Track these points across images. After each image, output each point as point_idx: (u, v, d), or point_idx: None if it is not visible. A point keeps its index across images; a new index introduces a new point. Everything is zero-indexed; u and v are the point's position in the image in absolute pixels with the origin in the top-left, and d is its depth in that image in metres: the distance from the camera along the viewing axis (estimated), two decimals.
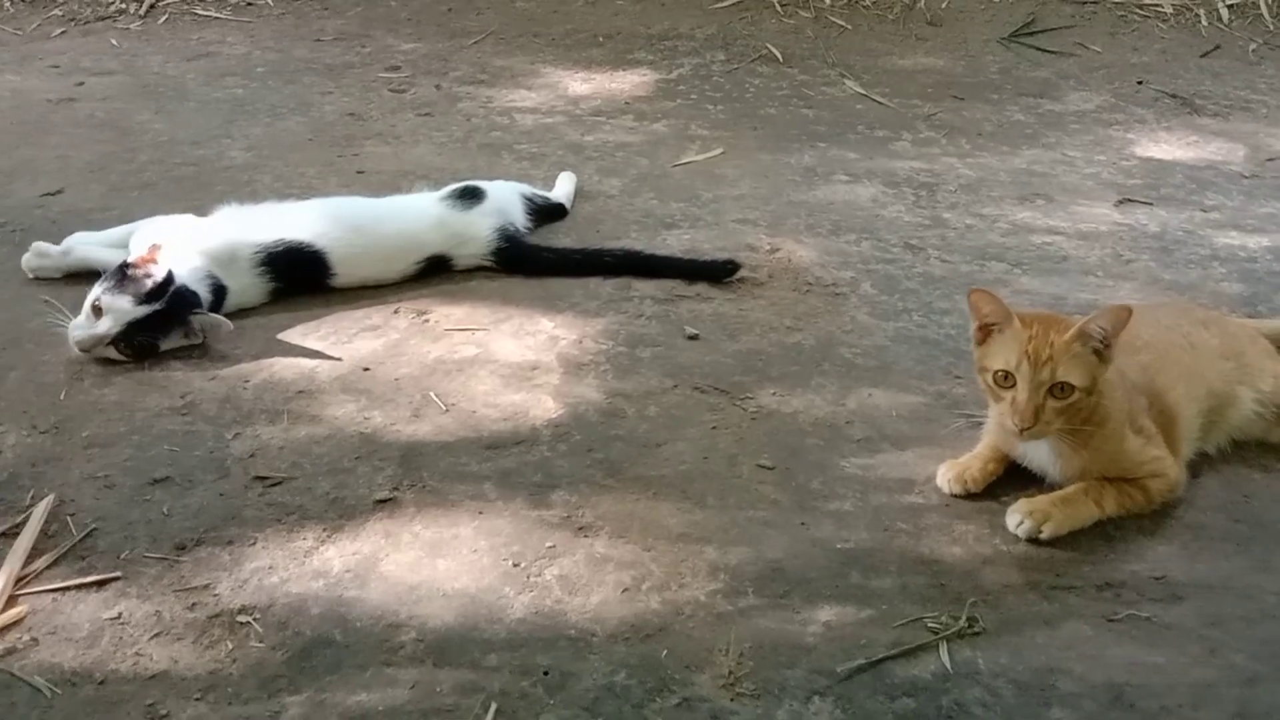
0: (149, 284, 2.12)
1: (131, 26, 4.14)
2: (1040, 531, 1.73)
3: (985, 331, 1.78)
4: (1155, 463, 1.80)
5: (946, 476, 1.84)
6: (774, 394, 2.12)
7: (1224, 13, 4.27)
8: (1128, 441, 1.78)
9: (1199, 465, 1.94)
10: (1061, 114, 3.53)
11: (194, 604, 1.60)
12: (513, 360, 2.20)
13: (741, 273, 2.53)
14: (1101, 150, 3.27)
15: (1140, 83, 3.78)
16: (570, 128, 3.34)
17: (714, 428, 2.02)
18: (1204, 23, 4.24)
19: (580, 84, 3.68)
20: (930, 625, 1.58)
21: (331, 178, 2.98)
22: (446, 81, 3.67)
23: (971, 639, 1.56)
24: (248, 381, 2.10)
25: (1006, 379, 1.73)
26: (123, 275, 2.14)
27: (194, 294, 2.19)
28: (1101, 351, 1.73)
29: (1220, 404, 1.96)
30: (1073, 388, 1.70)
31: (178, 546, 1.70)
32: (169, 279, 2.14)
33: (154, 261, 2.15)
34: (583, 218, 2.80)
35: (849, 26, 4.18)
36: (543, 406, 2.06)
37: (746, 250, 2.64)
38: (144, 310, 2.10)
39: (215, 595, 1.62)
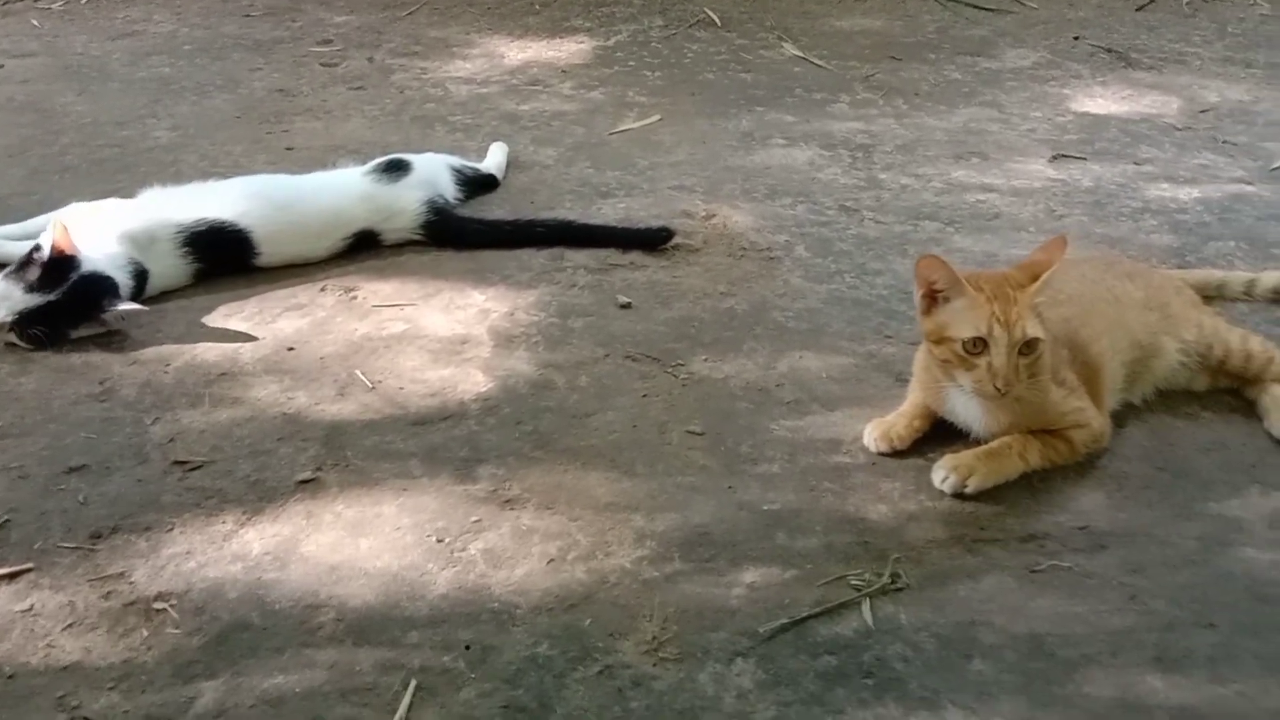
0: (38, 272, 2.06)
1: (53, 6, 4.03)
2: (965, 486, 1.74)
3: (931, 299, 1.77)
4: (1078, 414, 1.81)
5: (873, 435, 1.84)
6: (706, 360, 2.11)
7: None
8: (1051, 394, 1.79)
9: (1125, 415, 1.95)
10: (998, 71, 3.52)
11: (109, 593, 1.57)
12: (442, 335, 2.17)
13: (676, 240, 2.51)
14: (1038, 106, 3.28)
15: (1077, 38, 3.78)
16: (505, 97, 3.29)
17: (645, 396, 2.00)
18: None
19: (516, 53, 3.63)
20: (854, 583, 1.58)
21: (260, 155, 2.92)
22: (379, 54, 3.60)
23: (895, 595, 1.57)
24: (169, 365, 2.06)
25: (977, 345, 1.71)
26: (24, 263, 2.08)
27: (109, 281, 2.14)
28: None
29: (1145, 355, 1.97)
30: (1039, 341, 1.71)
31: (93, 535, 1.67)
32: (67, 266, 2.08)
33: (64, 249, 2.09)
34: (517, 188, 2.77)
35: None
36: (472, 380, 2.03)
37: (682, 217, 2.62)
38: (37, 300, 2.05)
39: (131, 583, 1.59)
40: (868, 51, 3.66)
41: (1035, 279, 1.73)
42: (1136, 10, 4.02)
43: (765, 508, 1.73)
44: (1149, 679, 1.46)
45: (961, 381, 1.74)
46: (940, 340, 1.75)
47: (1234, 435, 1.92)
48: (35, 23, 3.87)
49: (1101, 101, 3.33)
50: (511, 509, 1.73)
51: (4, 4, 4.05)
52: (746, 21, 3.89)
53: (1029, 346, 1.71)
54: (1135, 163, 2.95)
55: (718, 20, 3.87)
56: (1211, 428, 1.95)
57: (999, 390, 1.70)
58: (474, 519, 1.70)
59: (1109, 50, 3.69)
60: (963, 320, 1.72)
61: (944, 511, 1.72)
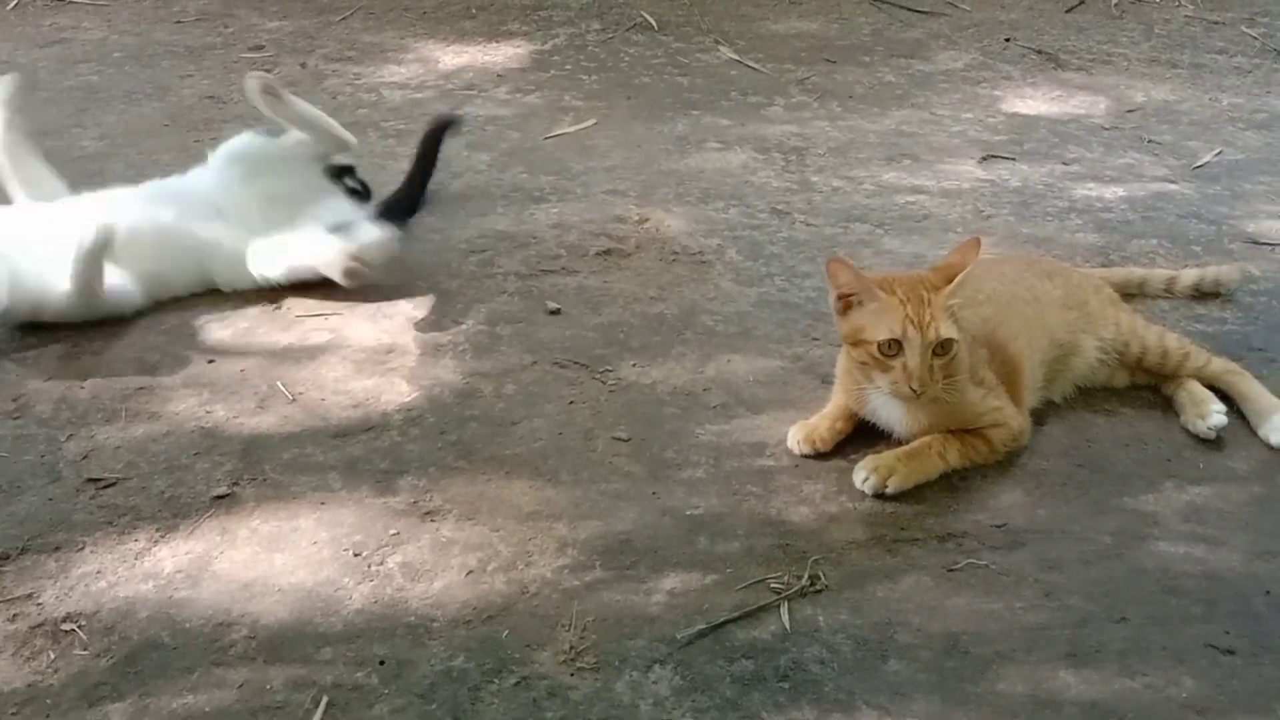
0: None
1: None
2: (886, 487, 1.75)
3: (846, 302, 1.78)
4: (995, 413, 1.83)
5: (796, 438, 1.85)
6: (634, 365, 2.10)
7: None
8: (969, 393, 1.81)
9: (1045, 413, 1.98)
10: (931, 74, 3.56)
11: (15, 615, 1.53)
12: (367, 344, 2.15)
13: (608, 244, 2.51)
14: (969, 108, 3.32)
15: (1008, 40, 3.84)
16: (440, 102, 3.27)
17: (572, 403, 2.00)
18: None
19: (452, 57, 3.60)
20: (773, 586, 1.59)
21: (188, 163, 2.82)
22: (313, 60, 3.56)
23: (814, 597, 1.58)
24: (85, 380, 2.02)
25: (891, 347, 1.72)
26: None
27: None
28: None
29: (1064, 353, 2.00)
30: (954, 342, 1.73)
31: (1, 556, 1.63)
32: None
33: None
34: (449, 195, 2.75)
35: None
36: (396, 390, 2.01)
37: (615, 222, 2.62)
38: None
39: (39, 604, 1.55)
40: (803, 54, 3.68)
41: (950, 281, 1.75)
42: (1066, 12, 4.09)
43: (688, 513, 1.73)
44: (1061, 674, 1.48)
45: (879, 383, 1.75)
46: (856, 343, 1.77)
47: (1151, 430, 1.96)
48: None
49: (1031, 102, 3.38)
50: (432, 521, 1.71)
51: None
52: (683, 25, 3.90)
53: (943, 347, 1.72)
54: (1063, 162, 3.00)
55: (654, 24, 3.87)
56: (1130, 423, 1.98)
57: (914, 391, 1.71)
58: (393, 532, 1.69)
59: (1039, 51, 3.75)
60: (877, 322, 1.74)
61: (865, 512, 1.74)
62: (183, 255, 2.25)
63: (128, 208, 2.24)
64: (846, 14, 4.03)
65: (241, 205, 2.33)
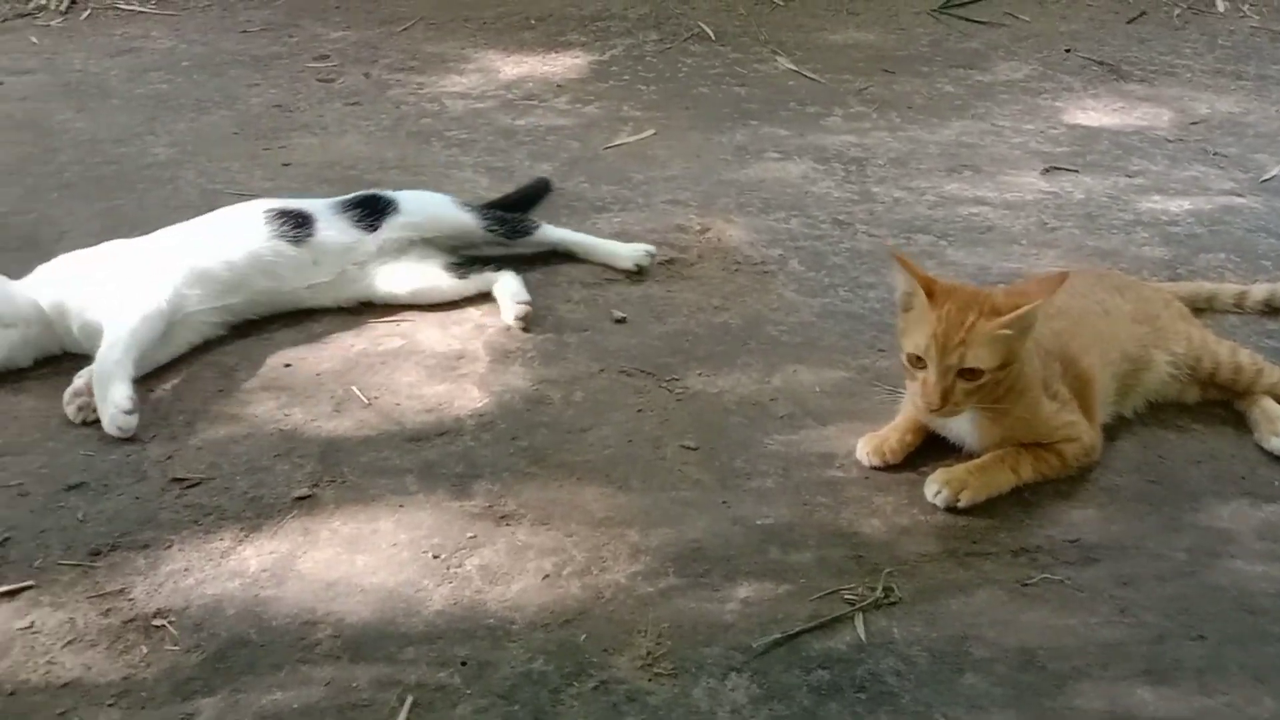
0: None
1: (52, 24, 4.05)
2: (958, 500, 1.75)
3: (907, 299, 1.78)
4: (1069, 428, 1.82)
5: (865, 449, 1.86)
6: (700, 374, 2.12)
7: None
8: (1043, 408, 1.81)
9: (1115, 428, 1.97)
10: (991, 84, 3.55)
11: (108, 610, 1.58)
12: (438, 350, 2.19)
13: (670, 254, 2.53)
14: (1030, 119, 3.30)
15: (1068, 51, 3.81)
16: (501, 112, 3.32)
17: (640, 411, 2.02)
18: None
19: (512, 68, 3.65)
20: (847, 597, 1.60)
21: (257, 171, 2.94)
22: (376, 69, 3.63)
23: (888, 609, 1.58)
24: (166, 383, 2.07)
25: (918, 361, 1.73)
26: None
27: None
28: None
29: (1136, 368, 1.99)
30: (982, 371, 1.70)
31: (92, 552, 1.68)
32: None
33: None
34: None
35: (781, 3, 4.18)
36: (468, 396, 2.05)
37: (676, 231, 2.64)
38: None
39: (130, 600, 1.60)
40: (861, 65, 3.68)
41: (1013, 310, 1.69)
42: (1127, 23, 4.06)
43: (759, 522, 1.74)
44: (1139, 691, 1.48)
45: (910, 390, 1.77)
46: (899, 345, 1.78)
47: (1224, 447, 1.94)
48: (34, 40, 3.89)
49: (1093, 114, 3.36)
50: (507, 525, 1.74)
51: (3, 20, 4.07)
52: (740, 35, 3.91)
53: (970, 373, 1.70)
54: (1127, 175, 2.97)
55: (712, 34, 3.90)
56: (1202, 440, 1.96)
57: (928, 409, 1.72)
58: (470, 535, 1.72)
59: (1100, 63, 3.72)
60: (914, 330, 1.74)
61: (937, 525, 1.74)
62: (271, 300, 2.25)
63: (243, 243, 2.23)
64: (904, 24, 4.02)
65: (381, 249, 2.31)
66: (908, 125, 3.25)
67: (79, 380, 1.98)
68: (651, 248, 2.46)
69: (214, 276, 2.18)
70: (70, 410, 1.95)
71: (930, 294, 1.72)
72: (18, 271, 2.20)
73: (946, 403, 1.70)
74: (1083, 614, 1.59)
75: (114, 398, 1.90)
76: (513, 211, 2.56)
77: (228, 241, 2.23)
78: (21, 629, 1.55)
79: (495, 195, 2.77)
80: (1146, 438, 1.96)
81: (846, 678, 1.47)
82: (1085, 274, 2.18)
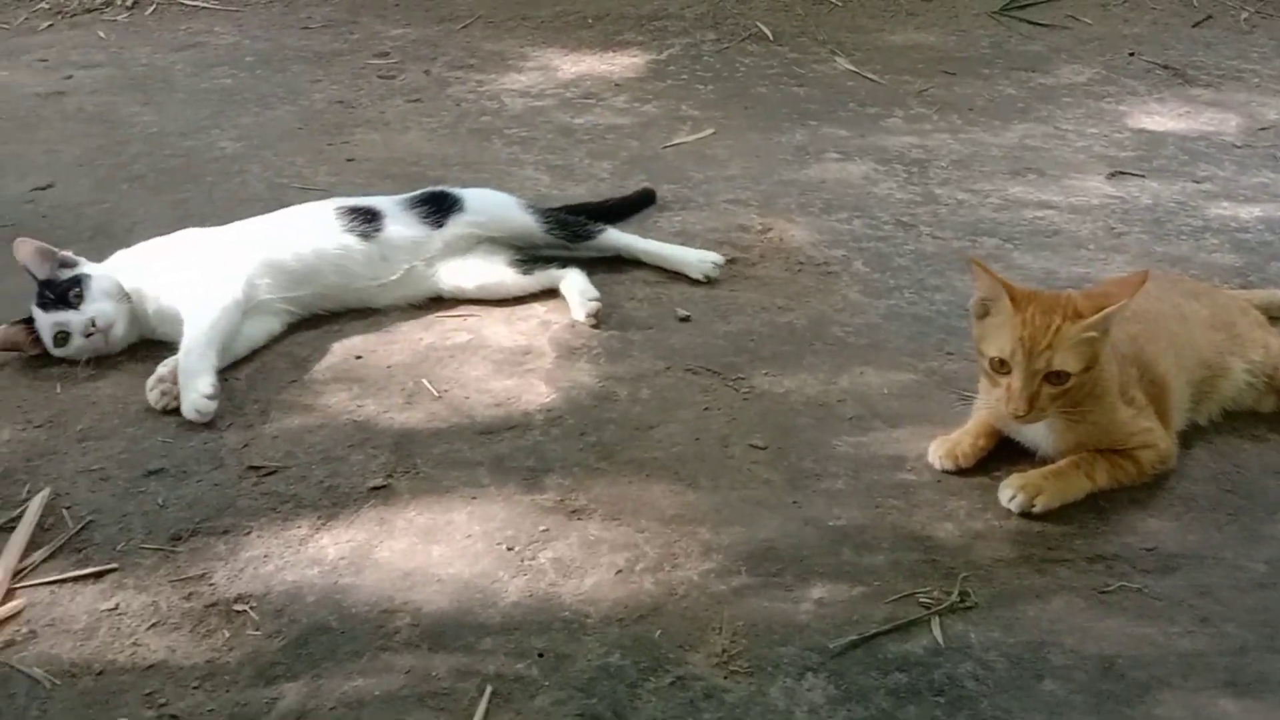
0: None
1: (119, 18, 4.13)
2: (1033, 505, 1.74)
3: (984, 306, 1.77)
4: (1146, 434, 1.80)
5: (938, 453, 1.84)
6: (766, 374, 2.12)
7: None
8: (1119, 413, 1.78)
9: (1190, 436, 1.94)
10: (1053, 87, 3.51)
11: (190, 594, 1.61)
12: (505, 345, 2.20)
13: (733, 253, 2.53)
14: (1094, 123, 3.27)
15: (1132, 54, 3.76)
16: (561, 111, 3.33)
17: (706, 409, 2.02)
18: None
19: (570, 66, 3.67)
20: (922, 600, 1.59)
21: (321, 166, 2.97)
22: (435, 67, 3.66)
23: (964, 613, 1.57)
24: (240, 373, 2.11)
25: (1003, 365, 1.71)
26: None
27: None
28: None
29: (1211, 375, 1.96)
30: (1069, 374, 1.69)
31: (173, 537, 1.71)
32: None
33: None
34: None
35: (839, 3, 4.16)
36: (535, 391, 2.06)
37: (738, 231, 2.64)
38: None
39: (211, 585, 1.63)
40: (921, 66, 3.66)
41: (1097, 311, 1.69)
42: (1193, 26, 4.00)
43: (831, 523, 1.74)
44: (1221, 702, 1.46)
45: (992, 396, 1.75)
46: (980, 351, 1.76)
47: None
48: (102, 34, 3.97)
49: (1158, 118, 3.31)
50: (578, 519, 1.75)
51: (71, 15, 4.16)
52: (798, 35, 3.90)
53: (1057, 377, 1.68)
54: (1194, 180, 2.93)
55: (770, 34, 3.89)
56: (1279, 450, 1.93)
57: (1014, 415, 1.70)
58: (542, 528, 1.73)
59: (1165, 67, 3.67)
60: (996, 335, 1.72)
61: (1011, 530, 1.72)
62: (340, 295, 2.27)
63: (315, 236, 2.26)
64: (965, 26, 3.99)
65: (447, 246, 2.33)
66: (969, 127, 3.23)
67: (162, 368, 2.02)
68: (719, 257, 2.43)
69: (284, 268, 2.22)
70: (153, 396, 1.99)
71: (1013, 298, 1.71)
72: (94, 259, 2.25)
73: (1033, 408, 1.68)
74: (1162, 623, 1.57)
75: (199, 385, 1.94)
76: (610, 218, 2.56)
77: (299, 235, 2.27)
78: (107, 610, 1.59)
79: (557, 193, 2.80)
80: (1222, 446, 1.93)
81: (924, 681, 1.47)
82: (1160, 278, 2.15)
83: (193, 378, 1.96)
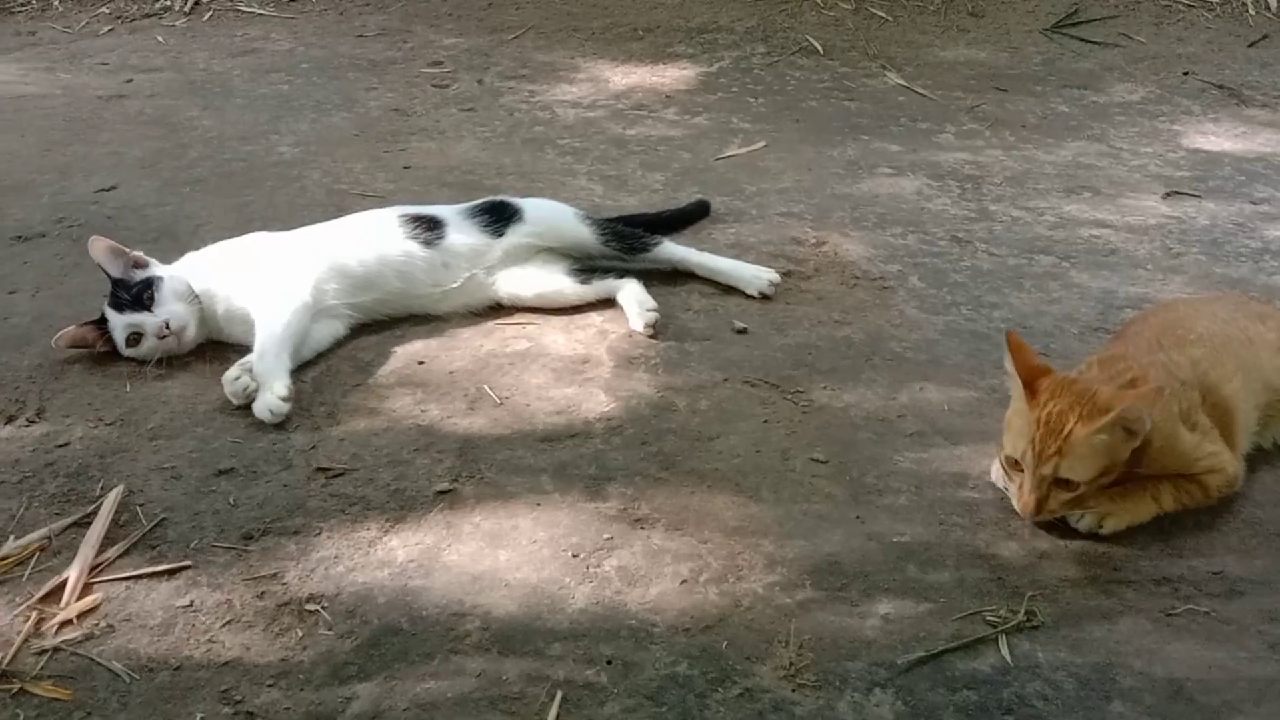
0: None
1: (177, 24, 4.20)
2: (1101, 527, 1.73)
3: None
4: (1211, 459, 1.79)
5: (1000, 471, 1.84)
6: (824, 388, 2.13)
7: (1272, 1, 4.21)
8: (1181, 441, 1.76)
9: (1255, 460, 1.92)
10: (1106, 105, 3.50)
11: (263, 592, 1.64)
12: (564, 354, 2.22)
13: (787, 266, 2.54)
14: (1148, 142, 3.25)
15: (1186, 73, 3.74)
16: (612, 122, 3.36)
17: (765, 421, 2.03)
18: (1251, 12, 4.19)
19: (621, 78, 3.70)
20: (989, 619, 1.59)
21: (379, 173, 3.02)
22: (488, 76, 3.70)
23: (1030, 633, 1.57)
24: (306, 375, 2.14)
25: (1015, 464, 1.69)
26: None
27: None
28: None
29: (1278, 398, 1.94)
30: (1078, 484, 1.66)
31: (245, 536, 1.74)
32: None
33: None
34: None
35: (889, 18, 4.16)
36: (595, 400, 2.08)
37: (792, 244, 2.65)
38: None
39: (283, 584, 1.65)
40: (972, 82, 3.66)
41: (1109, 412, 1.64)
42: (1248, 46, 3.97)
43: (895, 539, 1.74)
44: None
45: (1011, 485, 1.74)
46: (1001, 440, 1.75)
47: None
48: (161, 39, 4.05)
49: (1214, 138, 3.29)
50: (642, 528, 1.76)
51: (131, 20, 4.24)
52: (849, 50, 3.91)
53: (1066, 484, 1.66)
54: (1252, 201, 2.91)
55: (820, 48, 3.90)
56: None
57: (1024, 515, 1.70)
58: (606, 536, 1.74)
59: (1220, 86, 3.64)
60: (1014, 429, 1.71)
61: (1076, 551, 1.72)
62: (404, 301, 2.30)
63: (379, 244, 2.30)
64: (1016, 43, 3.98)
65: (506, 255, 2.35)
66: (1022, 144, 3.22)
67: (237, 367, 2.06)
68: (776, 275, 2.42)
69: (349, 272, 2.25)
70: (234, 389, 2.02)
71: (1032, 391, 1.68)
72: (159, 260, 2.29)
73: (1041, 510, 1.68)
74: (1230, 647, 1.56)
75: (275, 387, 1.98)
76: (664, 229, 2.58)
77: (364, 241, 2.30)
78: (182, 607, 1.62)
79: (610, 204, 2.82)
80: None
81: (993, 699, 1.47)
82: (1225, 299, 2.14)
83: (269, 379, 2.00)
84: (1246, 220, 2.81)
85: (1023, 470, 1.68)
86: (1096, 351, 2.02)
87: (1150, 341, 1.90)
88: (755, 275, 2.43)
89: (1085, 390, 1.69)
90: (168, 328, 2.11)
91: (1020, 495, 1.69)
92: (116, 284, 2.18)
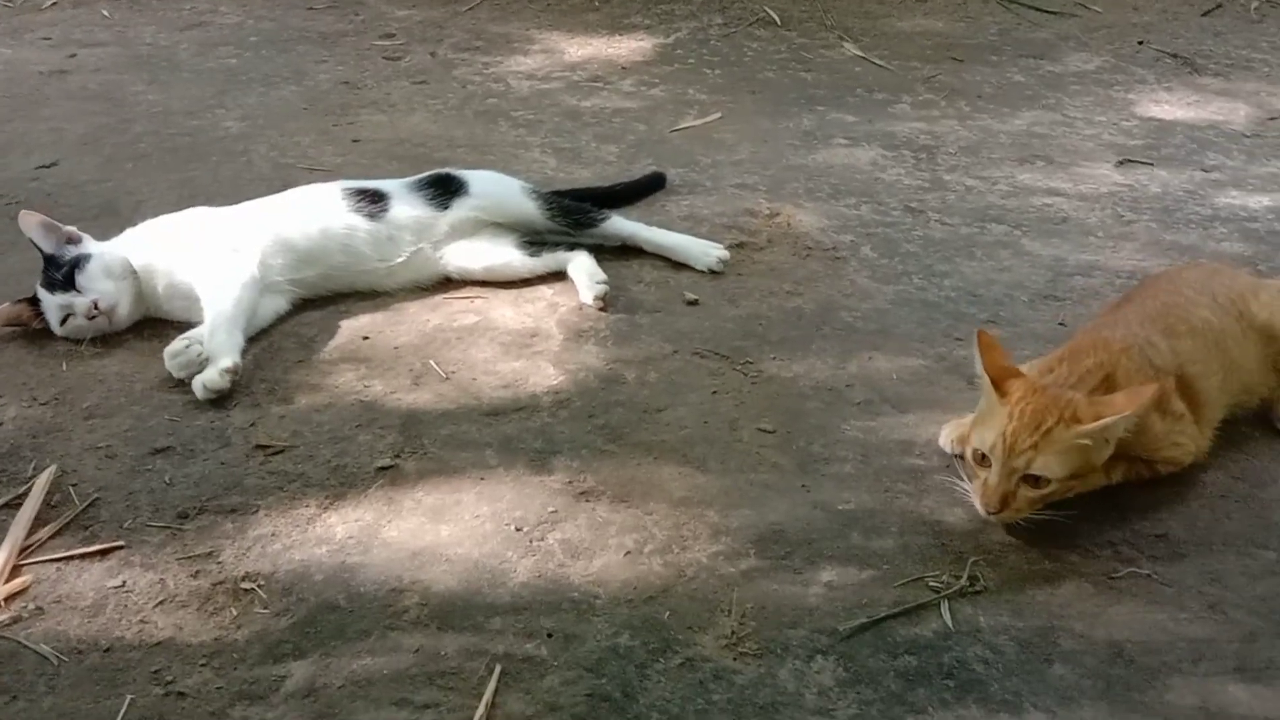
0: None
1: None
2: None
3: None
4: (1175, 450, 1.75)
5: (950, 437, 1.84)
6: (774, 358, 2.11)
7: None
8: (1152, 428, 1.71)
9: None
10: (1061, 75, 3.50)
11: (198, 572, 1.60)
12: (512, 327, 2.20)
13: (740, 238, 2.52)
14: (1102, 111, 3.25)
15: (1141, 43, 3.75)
16: (567, 94, 3.32)
17: (714, 393, 2.01)
18: None
19: (577, 49, 3.65)
20: (932, 584, 1.59)
21: (327, 147, 2.96)
22: (441, 48, 3.64)
23: (973, 597, 1.57)
24: (247, 351, 2.09)
25: (984, 459, 1.63)
26: None
27: None
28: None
29: (1251, 399, 1.91)
30: (1049, 481, 1.60)
31: (180, 515, 1.71)
32: None
33: None
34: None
35: None
36: (543, 373, 2.05)
37: (746, 215, 2.63)
38: None
39: (219, 563, 1.62)
40: (929, 52, 3.64)
41: (1099, 418, 1.59)
42: (1202, 15, 3.98)
43: (840, 507, 1.73)
44: (1231, 689, 1.45)
45: (971, 485, 1.66)
46: (969, 435, 1.68)
47: None
48: (106, 13, 3.95)
49: (1167, 107, 3.30)
50: (587, 501, 1.75)
51: None
52: (806, 20, 3.88)
53: (1036, 481, 1.60)
54: (1203, 169, 2.92)
55: (777, 19, 3.87)
56: None
57: (985, 512, 1.62)
58: (550, 510, 1.72)
59: (1174, 55, 3.65)
60: (983, 423, 1.64)
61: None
62: (348, 276, 2.26)
63: (319, 218, 2.25)
64: (973, 13, 3.97)
65: (452, 229, 2.32)
66: (978, 114, 3.21)
67: (179, 342, 2.01)
68: (725, 252, 2.39)
69: (293, 247, 2.21)
70: (177, 363, 1.98)
71: (1001, 390, 1.63)
72: (99, 237, 2.24)
73: (1005, 507, 1.60)
74: (1171, 609, 1.57)
75: (223, 362, 1.95)
76: (617, 202, 2.56)
77: (306, 215, 2.26)
78: (114, 588, 1.58)
79: (563, 176, 2.78)
80: (1233, 434, 1.92)
81: (934, 664, 1.46)
82: (1235, 287, 1.94)
83: (220, 355, 1.97)
84: (1197, 188, 2.81)
85: (989, 466, 1.62)
86: (1091, 320, 1.96)
87: (1146, 317, 1.83)
88: (705, 251, 2.41)
89: (1060, 395, 1.63)
90: (97, 307, 2.06)
91: (983, 490, 1.61)
92: (48, 261, 2.12)
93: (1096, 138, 3.09)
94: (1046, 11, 3.97)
